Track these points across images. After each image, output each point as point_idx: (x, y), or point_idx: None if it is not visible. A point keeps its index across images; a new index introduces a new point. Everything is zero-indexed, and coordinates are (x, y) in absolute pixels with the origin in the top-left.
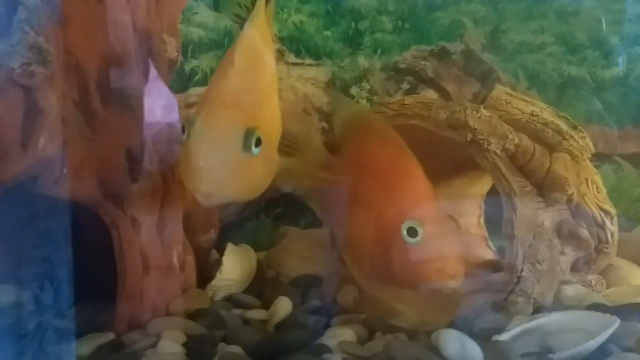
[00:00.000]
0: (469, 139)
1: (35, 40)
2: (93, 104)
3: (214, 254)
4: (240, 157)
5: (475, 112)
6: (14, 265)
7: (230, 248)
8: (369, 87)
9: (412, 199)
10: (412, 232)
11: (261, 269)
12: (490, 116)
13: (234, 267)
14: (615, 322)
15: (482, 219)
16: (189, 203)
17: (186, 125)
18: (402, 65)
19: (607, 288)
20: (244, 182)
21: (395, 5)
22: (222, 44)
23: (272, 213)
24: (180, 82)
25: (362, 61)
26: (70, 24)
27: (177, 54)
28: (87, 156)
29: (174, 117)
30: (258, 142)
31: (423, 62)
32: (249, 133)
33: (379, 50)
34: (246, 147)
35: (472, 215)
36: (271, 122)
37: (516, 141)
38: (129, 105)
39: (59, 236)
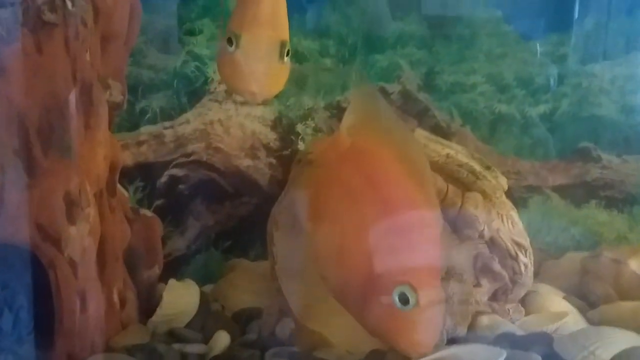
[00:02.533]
0: None
1: None
2: (33, 151)
3: (162, 288)
4: (277, 64)
5: None
6: None
7: (171, 283)
8: (313, 124)
9: (410, 259)
10: (404, 298)
11: (206, 302)
12: None
13: (175, 302)
14: (502, 355)
15: None
16: (132, 241)
17: (233, 39)
18: (344, 105)
19: (526, 315)
20: (278, 83)
21: (336, 48)
22: (172, 84)
23: (221, 246)
24: (131, 121)
25: (307, 100)
26: (11, 74)
27: (122, 97)
28: (25, 201)
29: (114, 160)
30: (287, 52)
31: None
32: (283, 45)
33: (322, 91)
34: (281, 56)
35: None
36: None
37: None
38: (68, 152)
39: (17, 263)
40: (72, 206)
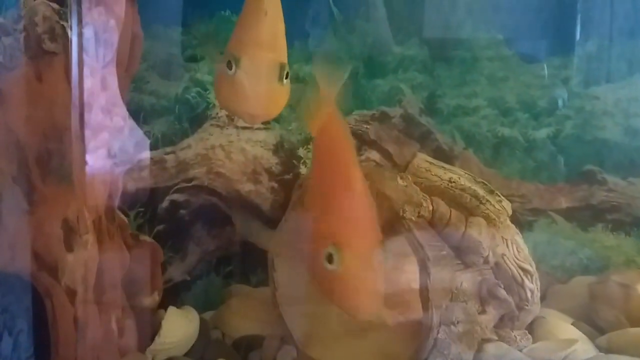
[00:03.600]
0: (386, 207)
1: None
2: (31, 178)
3: (162, 314)
4: (277, 86)
5: (391, 182)
6: None
7: (170, 311)
8: None
9: (339, 222)
10: (330, 258)
11: (206, 329)
12: (406, 185)
13: (174, 330)
14: None
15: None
16: (131, 267)
17: (233, 62)
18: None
19: (534, 342)
20: (278, 105)
21: None
22: (174, 110)
23: (222, 271)
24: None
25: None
26: (11, 102)
27: (123, 123)
28: (22, 228)
29: (112, 187)
30: (287, 75)
31: (365, 126)
32: (282, 68)
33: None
34: (280, 78)
35: (414, 271)
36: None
37: (431, 208)
38: (67, 178)
39: (17, 287)
40: (70, 233)
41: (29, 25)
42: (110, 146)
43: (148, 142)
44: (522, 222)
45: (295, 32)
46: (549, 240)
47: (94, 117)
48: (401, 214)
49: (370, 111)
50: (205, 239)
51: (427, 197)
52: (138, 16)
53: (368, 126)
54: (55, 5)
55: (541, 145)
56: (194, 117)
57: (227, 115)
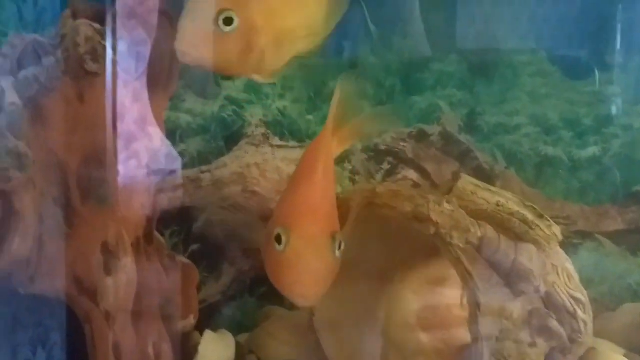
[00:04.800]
0: (432, 233)
1: (14, 145)
2: (72, 200)
3: (197, 337)
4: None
5: (437, 206)
6: (9, 329)
7: (207, 335)
8: (350, 167)
9: (293, 207)
10: (279, 239)
11: (242, 354)
12: (453, 210)
13: (210, 355)
14: None
15: (465, 300)
16: (168, 289)
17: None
18: (383, 147)
19: None
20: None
21: (375, 90)
22: (209, 129)
23: (256, 292)
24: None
25: None
26: (53, 123)
27: (160, 143)
28: (63, 252)
29: (152, 209)
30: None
31: (402, 144)
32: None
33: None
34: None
35: (454, 296)
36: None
37: (479, 234)
38: (107, 200)
39: (52, 300)
40: (109, 257)
41: (71, 45)
42: (149, 166)
43: (180, 160)
44: (567, 245)
45: (331, 48)
46: (596, 265)
47: (129, 135)
48: (448, 240)
49: (408, 129)
50: (239, 259)
51: (475, 222)
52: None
53: (405, 144)
54: (97, 25)
55: (587, 164)
56: (230, 136)
57: (263, 134)
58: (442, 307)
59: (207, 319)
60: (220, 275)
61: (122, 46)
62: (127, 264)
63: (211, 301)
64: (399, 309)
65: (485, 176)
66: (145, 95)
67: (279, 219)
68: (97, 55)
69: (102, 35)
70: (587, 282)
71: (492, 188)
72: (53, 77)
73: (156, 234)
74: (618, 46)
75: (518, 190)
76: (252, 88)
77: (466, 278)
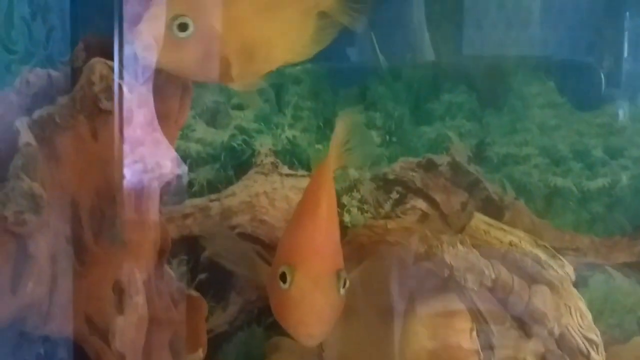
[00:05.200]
0: (446, 275)
1: (29, 187)
2: (84, 238)
3: None
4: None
5: (451, 248)
6: (15, 345)
7: None
8: (359, 196)
9: (297, 245)
10: (284, 277)
11: None
12: (467, 251)
13: None
14: None
15: (474, 333)
16: (176, 323)
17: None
18: (391, 176)
19: None
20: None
21: (383, 120)
22: (219, 158)
23: (264, 322)
24: (177, 194)
25: (352, 172)
26: (67, 161)
27: (172, 175)
28: (75, 291)
29: (163, 244)
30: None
31: (411, 173)
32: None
33: (368, 162)
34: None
35: (464, 330)
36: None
37: (493, 277)
38: (119, 239)
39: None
40: (121, 295)
41: (86, 84)
42: (162, 198)
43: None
44: (576, 277)
45: (340, 79)
46: (605, 297)
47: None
48: (462, 283)
49: (416, 159)
50: (247, 289)
51: (489, 263)
52: None
53: (414, 174)
54: (111, 63)
55: (596, 196)
56: (239, 165)
57: (272, 163)
58: (453, 341)
59: (215, 349)
60: (228, 305)
61: (128, 51)
62: (139, 302)
63: (218, 331)
64: (410, 343)
65: (495, 207)
66: (150, 100)
67: (284, 257)
68: (112, 93)
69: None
70: (596, 315)
71: (504, 227)
72: (68, 115)
73: (167, 269)
74: (628, 78)
75: (527, 221)
76: (263, 118)
77: (480, 322)
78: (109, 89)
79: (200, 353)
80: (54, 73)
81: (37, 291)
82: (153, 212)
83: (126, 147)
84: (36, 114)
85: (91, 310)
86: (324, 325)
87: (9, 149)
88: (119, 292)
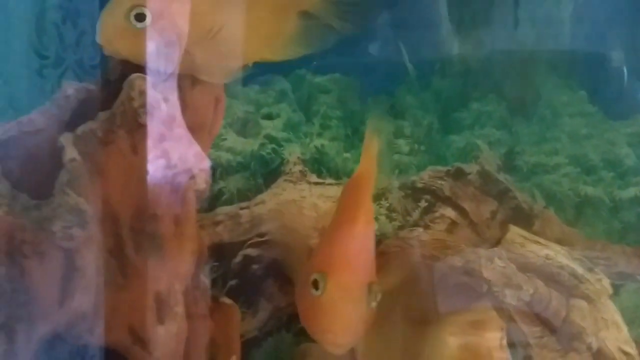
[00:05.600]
0: (484, 290)
1: (75, 203)
2: (126, 250)
3: None
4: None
5: (489, 263)
6: (48, 344)
7: None
8: (387, 204)
9: (332, 253)
10: (316, 284)
11: None
12: (504, 266)
13: None
14: None
15: (504, 341)
16: (211, 333)
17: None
18: (420, 185)
19: None
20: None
21: (412, 129)
22: (249, 166)
23: (293, 328)
24: (208, 202)
25: (380, 180)
26: (108, 176)
27: (205, 185)
28: (118, 302)
29: (201, 255)
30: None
31: (440, 182)
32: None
33: (397, 171)
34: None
35: (494, 338)
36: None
37: (531, 291)
38: (159, 250)
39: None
40: (161, 306)
41: (126, 99)
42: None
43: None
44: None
45: (369, 88)
46: (636, 307)
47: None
48: (500, 298)
49: (445, 167)
50: (276, 295)
51: (526, 278)
52: None
53: (443, 182)
54: (152, 78)
55: (628, 205)
56: (268, 173)
57: (301, 171)
58: (483, 350)
59: (244, 355)
60: (257, 311)
61: (150, 47)
62: (178, 312)
63: (248, 337)
64: (440, 353)
65: (524, 216)
66: (175, 97)
67: (318, 264)
68: (152, 107)
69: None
70: (628, 324)
71: (540, 240)
72: (109, 130)
73: (203, 278)
74: None
75: (557, 230)
76: (292, 127)
77: (519, 337)
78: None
79: None
80: (91, 87)
81: (84, 303)
82: (191, 223)
83: (162, 161)
84: (79, 129)
85: (133, 320)
86: (350, 336)
87: (52, 164)
88: (160, 302)
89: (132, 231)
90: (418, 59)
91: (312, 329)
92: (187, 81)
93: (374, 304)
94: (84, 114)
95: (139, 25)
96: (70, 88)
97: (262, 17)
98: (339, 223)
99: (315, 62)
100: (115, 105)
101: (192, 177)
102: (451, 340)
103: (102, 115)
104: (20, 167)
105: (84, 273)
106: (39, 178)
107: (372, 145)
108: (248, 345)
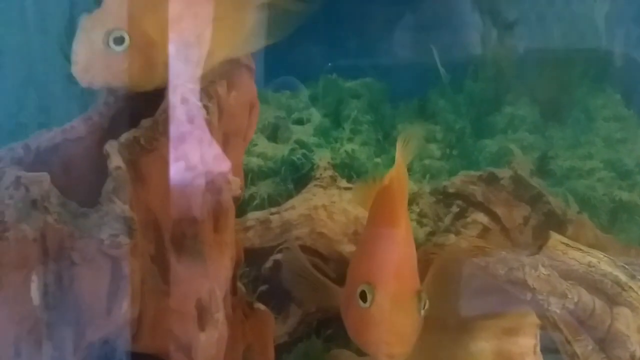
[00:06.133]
0: (528, 299)
1: (122, 210)
2: (168, 257)
3: None
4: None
5: (534, 271)
6: (75, 347)
7: None
8: (418, 209)
9: (377, 264)
10: (364, 296)
11: None
12: (549, 274)
13: None
14: None
15: (538, 348)
16: (247, 339)
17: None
18: (451, 190)
19: None
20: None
21: (443, 134)
22: (279, 171)
23: (323, 334)
24: (239, 207)
25: (411, 185)
26: (151, 182)
27: (240, 191)
28: (161, 309)
29: (238, 260)
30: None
31: (472, 187)
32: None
33: (428, 175)
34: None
35: (528, 345)
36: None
37: (575, 299)
38: (200, 257)
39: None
40: (203, 312)
41: (168, 107)
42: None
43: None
44: None
45: (400, 92)
46: None
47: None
48: (545, 306)
49: (478, 172)
50: (306, 301)
51: (570, 286)
52: (255, 87)
53: (475, 187)
54: (191, 85)
55: None
56: (299, 178)
57: (331, 177)
58: (516, 357)
59: None
60: (288, 317)
61: (170, 49)
62: (219, 319)
63: (278, 342)
64: (473, 359)
65: (557, 221)
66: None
67: (362, 275)
68: (192, 115)
69: (198, 96)
70: None
71: (582, 247)
72: (151, 138)
73: (240, 284)
74: None
75: (591, 235)
76: (322, 132)
77: (565, 347)
78: (189, 111)
79: None
80: (131, 94)
81: (130, 310)
82: (230, 228)
83: (201, 167)
84: (123, 137)
85: (176, 327)
86: (404, 346)
87: (94, 171)
88: (201, 309)
89: (173, 238)
90: (450, 62)
91: (364, 341)
92: (223, 87)
93: (423, 312)
94: (125, 122)
95: (118, 49)
96: (111, 96)
97: (223, 17)
98: (378, 231)
99: (330, 64)
100: (158, 112)
101: (228, 183)
102: (485, 346)
103: (145, 122)
104: (65, 174)
105: (131, 280)
106: (82, 185)
107: (405, 151)
108: (279, 351)
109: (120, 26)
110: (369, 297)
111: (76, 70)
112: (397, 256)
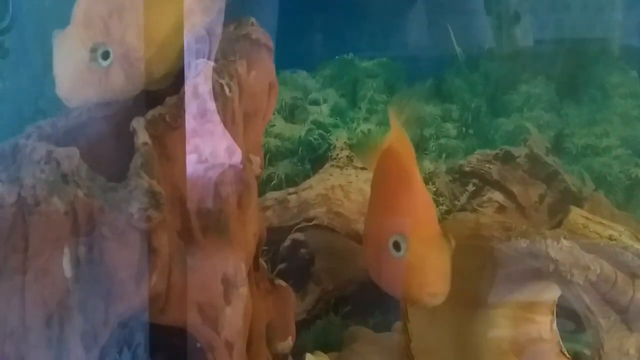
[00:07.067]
0: (551, 270)
1: (149, 185)
2: (194, 232)
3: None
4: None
5: (556, 243)
6: (105, 319)
7: (308, 358)
8: (434, 189)
9: (403, 214)
10: (397, 246)
11: None
12: (571, 246)
13: None
14: None
15: (554, 325)
16: (269, 314)
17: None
18: (467, 169)
19: None
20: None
21: (459, 113)
22: (297, 152)
23: (341, 311)
24: (258, 187)
25: (428, 165)
26: (176, 159)
27: (260, 170)
28: (188, 283)
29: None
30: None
31: (488, 165)
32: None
33: (444, 155)
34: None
35: (545, 321)
36: None
37: (598, 271)
38: (225, 232)
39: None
40: (228, 286)
41: (192, 84)
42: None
43: None
44: None
45: (416, 72)
46: None
47: (246, 170)
48: (568, 278)
49: (494, 150)
50: (324, 278)
51: (593, 258)
52: (273, 67)
53: (491, 166)
54: (214, 64)
55: None
56: (316, 158)
57: (348, 156)
58: (534, 332)
59: (296, 339)
60: (306, 294)
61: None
62: (244, 293)
63: (297, 319)
64: (492, 335)
65: (573, 199)
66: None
67: (390, 227)
68: (216, 93)
69: (220, 74)
70: None
71: (603, 221)
72: (176, 115)
73: (262, 260)
74: None
75: (607, 212)
76: (338, 112)
77: (589, 317)
78: (212, 89)
79: (290, 341)
80: None
81: (160, 283)
82: (253, 205)
83: (225, 143)
84: (149, 114)
85: (202, 301)
86: (445, 284)
87: (124, 147)
88: (227, 283)
89: (198, 214)
90: (466, 42)
91: (405, 289)
92: (243, 67)
93: (450, 251)
94: (149, 100)
95: (105, 64)
96: None
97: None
98: (394, 186)
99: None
100: (182, 91)
101: (249, 163)
102: (504, 322)
103: (170, 100)
104: (93, 150)
105: (159, 254)
106: (109, 161)
107: (400, 115)
108: (298, 328)
109: (101, 40)
110: (402, 246)
111: (63, 91)
112: (420, 205)
